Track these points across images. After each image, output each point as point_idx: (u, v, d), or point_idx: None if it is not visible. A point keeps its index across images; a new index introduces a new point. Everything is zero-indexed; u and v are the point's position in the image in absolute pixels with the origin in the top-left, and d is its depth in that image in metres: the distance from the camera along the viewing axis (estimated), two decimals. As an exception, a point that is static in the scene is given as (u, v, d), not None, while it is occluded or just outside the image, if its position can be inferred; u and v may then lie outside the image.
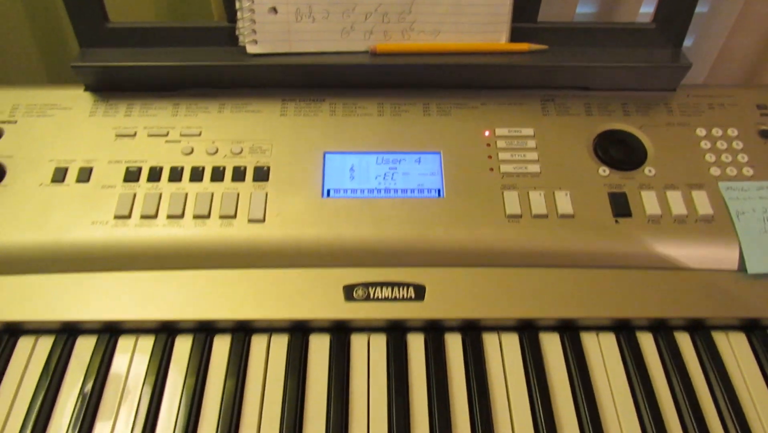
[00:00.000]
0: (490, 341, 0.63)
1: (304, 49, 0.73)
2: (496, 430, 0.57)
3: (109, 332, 0.62)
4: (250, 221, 0.66)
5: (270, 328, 0.63)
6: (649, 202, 0.67)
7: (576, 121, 0.74)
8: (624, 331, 0.63)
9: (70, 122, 0.72)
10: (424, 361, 0.62)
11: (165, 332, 0.62)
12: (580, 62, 0.73)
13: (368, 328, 0.63)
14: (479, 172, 0.69)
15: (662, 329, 0.64)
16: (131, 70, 0.72)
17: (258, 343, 0.62)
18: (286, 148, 0.71)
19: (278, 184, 0.68)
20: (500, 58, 0.74)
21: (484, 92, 0.76)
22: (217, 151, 0.70)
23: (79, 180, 0.68)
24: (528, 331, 0.63)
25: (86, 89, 0.75)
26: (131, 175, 0.68)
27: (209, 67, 0.73)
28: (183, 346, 0.62)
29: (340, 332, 0.63)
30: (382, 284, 0.64)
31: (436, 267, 0.65)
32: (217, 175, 0.68)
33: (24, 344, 0.62)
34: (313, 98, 0.75)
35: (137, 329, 0.63)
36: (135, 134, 0.71)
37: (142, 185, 0.68)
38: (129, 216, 0.66)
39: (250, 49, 0.72)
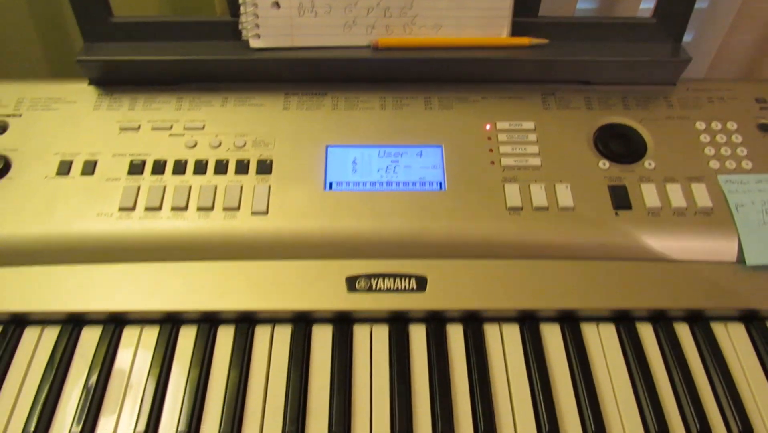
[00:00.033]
0: (491, 331, 0.64)
1: (306, 44, 0.74)
2: (497, 419, 0.58)
3: (114, 323, 0.63)
4: (254, 213, 0.66)
5: (273, 319, 0.64)
6: (649, 195, 0.68)
7: (576, 115, 0.74)
8: (624, 322, 0.64)
9: (75, 116, 0.73)
10: (425, 351, 0.62)
11: (169, 322, 0.63)
12: (581, 56, 0.74)
13: (370, 319, 0.64)
14: (480, 166, 0.70)
15: (662, 320, 0.64)
16: (135, 65, 0.73)
17: (261, 334, 0.63)
18: (289, 141, 0.71)
19: (281, 177, 0.69)
20: (501, 53, 0.75)
21: (485, 86, 0.76)
22: (220, 145, 0.71)
23: (83, 173, 0.68)
24: (529, 322, 0.64)
25: (90, 83, 0.75)
26: (135, 168, 0.69)
27: (212, 62, 0.73)
28: (187, 337, 0.63)
29: (343, 323, 0.63)
30: (384, 276, 0.64)
31: (437, 259, 0.65)
32: (221, 168, 0.69)
33: (30, 334, 0.62)
34: (315, 92, 0.75)
35: (142, 319, 0.63)
36: (139, 128, 0.72)
37: (147, 178, 0.68)
38: (133, 208, 0.66)
39: (253, 43, 0.73)
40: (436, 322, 0.64)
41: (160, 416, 0.58)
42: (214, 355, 0.62)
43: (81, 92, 0.75)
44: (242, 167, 0.69)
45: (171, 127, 0.72)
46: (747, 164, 0.70)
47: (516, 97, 0.75)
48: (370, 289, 0.64)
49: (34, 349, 0.62)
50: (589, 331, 0.64)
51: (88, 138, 0.71)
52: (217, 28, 0.74)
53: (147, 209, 0.66)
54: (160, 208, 0.66)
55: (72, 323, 0.63)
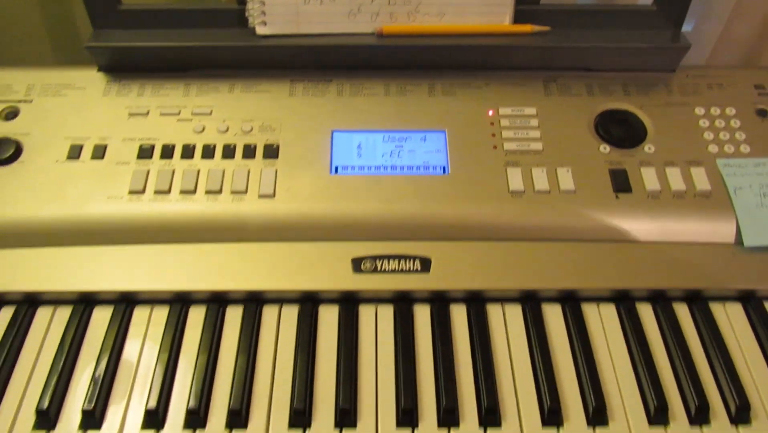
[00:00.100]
0: (494, 311, 0.65)
1: (311, 31, 0.75)
2: (500, 396, 0.59)
3: (125, 303, 0.64)
4: (261, 196, 0.68)
5: (280, 299, 0.65)
6: (649, 178, 0.69)
7: (578, 101, 0.75)
8: (624, 302, 0.65)
9: (85, 102, 0.74)
10: (430, 331, 0.64)
11: (179, 302, 0.64)
12: (582, 43, 0.75)
13: (376, 299, 0.65)
14: (483, 150, 0.71)
15: (661, 300, 0.66)
16: (144, 51, 0.74)
17: (269, 313, 0.64)
18: (295, 126, 0.73)
19: (287, 161, 0.70)
20: (504, 40, 0.76)
21: (487, 73, 0.77)
22: (227, 130, 0.72)
23: (94, 157, 0.70)
24: (531, 302, 0.65)
25: (99, 70, 0.77)
26: (144, 153, 0.70)
27: (219, 48, 0.75)
28: (196, 316, 0.64)
29: (349, 303, 0.65)
30: (389, 257, 0.65)
31: (441, 241, 0.67)
32: (228, 152, 0.70)
33: (42, 314, 0.64)
34: (320, 79, 0.76)
35: (152, 299, 0.64)
36: (148, 113, 0.73)
37: (156, 162, 0.69)
38: (143, 191, 0.67)
39: (260, 30, 0.74)
40: (440, 302, 0.65)
41: (171, 394, 0.59)
42: (222, 334, 0.63)
43: (90, 79, 0.76)
44: (249, 152, 0.70)
45: (179, 113, 0.73)
46: (745, 148, 0.72)
47: (518, 84, 0.77)
48: (375, 270, 0.65)
49: (47, 328, 0.63)
50: (589, 311, 0.65)
51: (98, 123, 0.72)
52: (224, 16, 0.75)
53: (156, 192, 0.67)
54: (169, 191, 0.68)
55: (83, 303, 0.64)
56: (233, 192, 0.68)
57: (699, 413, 0.58)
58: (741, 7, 0.92)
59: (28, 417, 0.57)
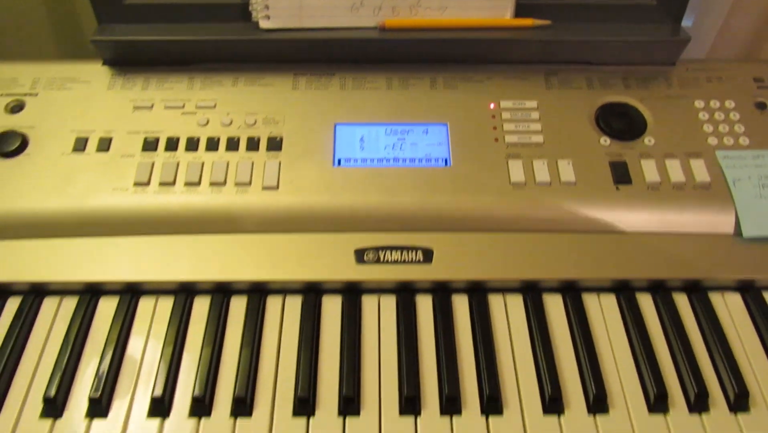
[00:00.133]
0: (495, 302, 0.66)
1: (314, 25, 0.75)
2: (501, 385, 0.60)
3: (130, 293, 0.65)
4: (265, 188, 0.68)
5: (284, 289, 0.66)
6: (649, 170, 0.70)
7: (578, 94, 0.76)
8: (624, 292, 0.66)
9: (90, 95, 0.75)
10: (432, 321, 0.64)
11: (184, 293, 0.65)
12: (583, 37, 0.76)
13: (378, 289, 0.66)
14: (485, 143, 0.72)
15: (661, 290, 0.66)
16: (148, 45, 0.75)
17: (273, 304, 0.65)
18: (298, 120, 0.73)
19: (291, 153, 0.71)
20: (505, 33, 0.76)
21: (489, 67, 0.78)
22: (231, 123, 0.73)
23: (99, 149, 0.70)
24: (532, 292, 0.66)
25: (104, 64, 0.77)
26: (149, 145, 0.71)
27: (223, 42, 0.75)
28: (201, 306, 0.65)
29: (352, 294, 0.65)
30: (391, 248, 0.66)
31: (443, 232, 0.67)
32: (232, 145, 0.71)
33: (49, 303, 0.65)
34: (323, 72, 0.77)
35: (157, 290, 0.65)
36: (152, 106, 0.74)
37: (160, 154, 0.70)
38: (148, 183, 0.68)
39: (263, 24, 0.75)
40: (442, 292, 0.66)
41: (176, 382, 0.60)
42: (227, 324, 0.64)
43: (95, 72, 0.77)
44: (253, 144, 0.71)
45: (183, 106, 0.74)
46: (744, 141, 0.72)
47: (519, 77, 0.77)
48: (378, 261, 0.66)
49: (53, 318, 0.64)
50: (590, 301, 0.66)
51: (103, 116, 0.73)
52: (228, 10, 0.76)
53: (161, 184, 0.68)
54: (173, 183, 0.68)
55: (89, 294, 0.65)
56: (237, 184, 0.68)
57: (698, 401, 0.59)
58: (740, 1, 0.93)
59: (36, 405, 0.58)
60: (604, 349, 0.63)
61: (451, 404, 0.58)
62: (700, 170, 0.70)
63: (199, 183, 0.68)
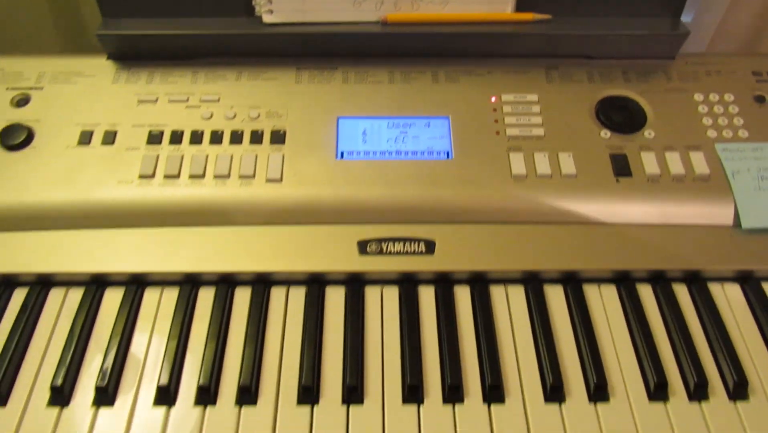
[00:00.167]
0: (497, 292, 0.66)
1: (317, 19, 0.76)
2: (503, 374, 0.60)
3: (136, 284, 0.66)
4: (268, 180, 0.69)
5: (288, 280, 0.66)
6: (649, 162, 0.70)
7: (579, 88, 0.77)
8: (624, 282, 0.67)
9: (94, 89, 0.75)
10: (434, 311, 0.65)
11: (189, 284, 0.66)
12: (583, 31, 0.76)
13: (381, 280, 0.67)
14: (486, 136, 0.73)
15: (661, 281, 0.67)
16: (152, 39, 0.76)
17: (277, 294, 0.66)
18: (301, 113, 0.74)
19: (294, 146, 0.71)
20: (506, 28, 0.77)
21: (490, 60, 0.79)
22: (235, 116, 0.73)
23: (104, 142, 0.71)
24: (533, 283, 0.66)
25: (109, 58, 0.78)
26: (154, 138, 0.71)
27: (227, 36, 0.76)
28: (206, 297, 0.65)
29: (355, 285, 0.66)
30: (394, 239, 0.67)
31: (445, 224, 0.68)
32: (236, 138, 0.72)
33: (55, 294, 0.65)
34: (326, 66, 0.78)
35: (162, 281, 0.66)
36: (156, 100, 0.74)
37: (165, 147, 0.71)
38: (153, 176, 0.69)
39: (266, 18, 0.75)
40: (444, 283, 0.66)
41: (182, 371, 0.60)
42: (231, 314, 0.64)
43: (100, 66, 0.77)
44: (257, 137, 0.72)
45: (187, 100, 0.74)
46: (743, 133, 0.73)
47: (520, 71, 0.78)
48: (380, 252, 0.66)
49: (60, 309, 0.64)
50: (590, 291, 0.66)
51: (108, 110, 0.74)
52: (231, 4, 0.76)
53: (166, 177, 0.69)
54: (178, 175, 0.69)
55: (95, 285, 0.65)
56: (241, 176, 0.69)
57: (698, 389, 0.59)
58: (739, -3, 0.93)
59: (43, 394, 0.59)
60: (604, 339, 0.63)
61: (453, 393, 0.59)
62: (699, 163, 0.70)
63: (203, 176, 0.69)
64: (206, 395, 0.58)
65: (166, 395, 0.58)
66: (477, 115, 0.74)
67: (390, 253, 0.66)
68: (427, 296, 0.66)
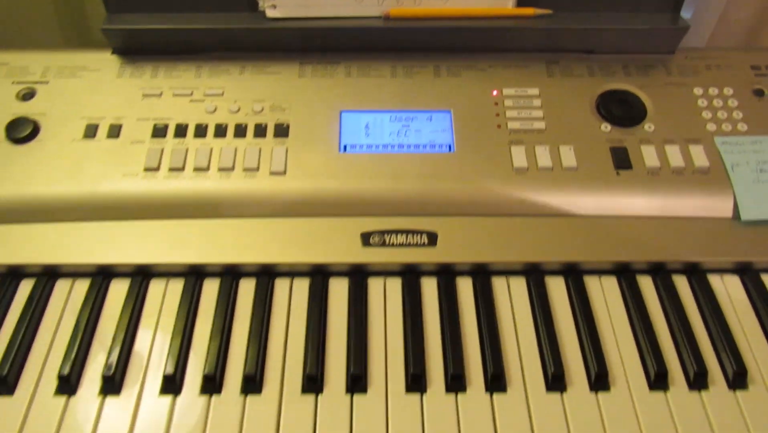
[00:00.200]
0: (499, 284, 0.67)
1: (320, 14, 0.77)
2: (505, 364, 0.61)
3: (141, 276, 0.66)
4: (272, 173, 0.70)
5: (292, 272, 0.67)
6: (649, 155, 0.71)
7: (579, 82, 0.77)
8: (625, 274, 0.67)
9: (99, 83, 0.76)
10: (437, 302, 0.66)
11: (193, 275, 0.66)
12: (583, 25, 0.77)
13: (384, 272, 0.67)
14: (488, 129, 0.73)
15: (661, 272, 0.68)
16: (156, 33, 0.76)
17: (281, 286, 0.66)
18: (305, 107, 0.75)
19: (298, 140, 0.72)
20: (507, 22, 0.78)
21: (491, 55, 0.79)
22: (239, 110, 0.74)
23: (109, 136, 0.72)
24: (534, 274, 0.67)
25: (113, 52, 0.79)
26: (159, 132, 0.72)
27: (230, 31, 0.77)
28: (210, 289, 0.66)
29: (358, 276, 0.67)
30: (396, 231, 0.67)
31: (447, 216, 0.69)
32: (240, 131, 0.72)
33: (62, 286, 0.66)
34: (329, 61, 0.78)
35: (167, 272, 0.66)
36: (161, 94, 0.75)
37: (169, 141, 0.71)
38: (158, 168, 0.69)
39: (270, 13, 0.76)
40: (446, 275, 0.67)
41: (187, 361, 0.61)
42: (236, 305, 0.65)
43: (105, 61, 0.78)
44: (260, 131, 0.72)
45: (191, 94, 0.75)
46: (742, 127, 0.74)
47: (521, 66, 0.79)
48: (383, 244, 0.67)
49: (66, 299, 0.65)
50: (591, 283, 0.67)
51: (113, 104, 0.74)
52: (235, -1, 0.77)
53: (171, 170, 0.69)
54: (183, 168, 0.70)
55: (101, 276, 0.66)
56: (245, 169, 0.70)
57: (698, 379, 0.60)
58: (738, -7, 0.94)
59: (50, 383, 0.59)
60: (605, 329, 0.64)
61: (456, 382, 0.59)
62: (699, 156, 0.71)
63: (208, 168, 0.70)
64: (212, 384, 0.59)
65: (171, 384, 0.59)
66: (479, 109, 0.75)
67: (393, 245, 0.67)
68: (429, 287, 0.67)
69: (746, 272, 0.68)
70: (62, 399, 0.58)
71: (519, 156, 0.71)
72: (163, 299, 0.65)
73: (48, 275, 0.66)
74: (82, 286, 0.66)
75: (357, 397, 0.59)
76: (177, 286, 0.66)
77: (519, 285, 0.67)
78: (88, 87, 0.76)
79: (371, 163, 0.71)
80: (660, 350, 0.62)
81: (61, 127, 0.72)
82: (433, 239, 0.67)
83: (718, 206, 0.69)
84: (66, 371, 0.59)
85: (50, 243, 0.66)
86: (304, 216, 0.68)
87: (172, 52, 0.78)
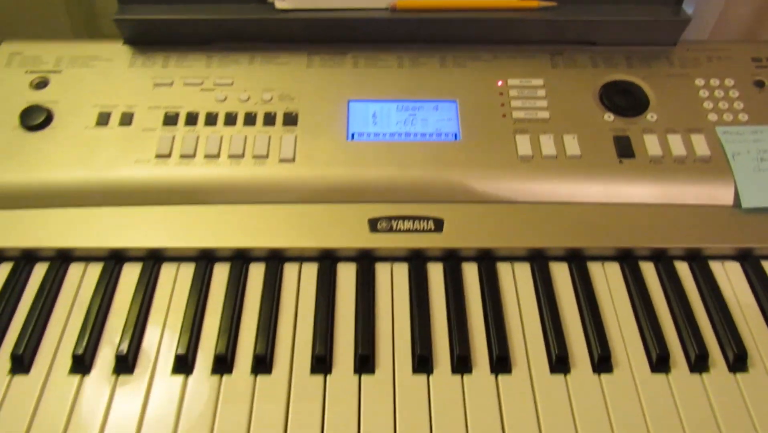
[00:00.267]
0: (503, 269, 0.68)
1: (328, 5, 0.78)
2: (510, 347, 0.62)
3: (153, 259, 0.67)
4: (281, 160, 0.71)
5: (301, 257, 0.68)
6: (651, 144, 0.72)
7: (583, 73, 0.79)
8: (627, 260, 0.69)
9: (111, 72, 0.77)
10: (443, 287, 0.67)
11: (204, 259, 0.67)
12: (587, 17, 0.78)
13: (391, 257, 0.68)
14: (493, 118, 0.75)
15: (663, 259, 0.69)
16: (168, 24, 0.78)
17: (290, 270, 0.68)
18: (313, 96, 0.76)
19: (306, 128, 0.73)
20: (512, 14, 0.79)
21: (496, 46, 0.81)
22: (248, 99, 0.75)
23: (121, 123, 0.73)
24: (539, 260, 0.68)
25: (125, 43, 0.80)
26: (170, 120, 0.73)
27: (240, 22, 0.78)
28: (221, 272, 0.67)
29: (365, 261, 0.68)
30: (403, 218, 0.69)
31: (453, 203, 0.70)
32: (250, 120, 0.74)
33: (75, 269, 0.67)
34: (337, 51, 0.80)
35: (179, 257, 0.68)
36: (172, 83, 0.76)
37: (180, 128, 0.73)
38: (169, 155, 0.71)
39: (279, 4, 0.77)
40: (452, 260, 0.68)
41: (199, 341, 0.62)
42: (246, 289, 0.66)
43: (116, 51, 0.79)
44: (270, 119, 0.74)
45: (202, 83, 0.76)
46: (743, 117, 0.75)
47: (526, 57, 0.80)
48: (390, 230, 0.68)
49: (80, 282, 0.66)
50: (595, 268, 0.68)
51: (125, 92, 0.76)
52: (245, -10, 0.78)
53: (182, 156, 0.71)
54: (194, 155, 0.71)
55: (114, 260, 0.67)
56: (255, 156, 0.71)
57: (699, 362, 0.61)
58: (740, -13, 0.95)
59: (65, 363, 0.60)
60: (608, 313, 0.65)
61: (462, 364, 0.61)
62: (700, 145, 0.72)
63: (218, 156, 0.71)
64: (223, 364, 0.60)
65: (183, 364, 0.60)
66: (484, 99, 0.76)
67: (400, 230, 0.68)
68: (435, 272, 0.68)
69: (747, 259, 0.69)
70: (76, 378, 0.60)
71: (524, 144, 0.72)
72: (175, 282, 0.66)
73: (61, 259, 0.67)
74: (95, 269, 0.67)
75: (365, 377, 0.60)
76: (188, 270, 0.67)
77: (524, 270, 0.68)
78: (100, 76, 0.77)
79: (378, 151, 0.72)
80: (662, 334, 0.63)
81: (74, 115, 0.74)
82: (439, 225, 0.69)
83: (719, 194, 0.70)
84: (80, 350, 0.60)
85: (64, 227, 0.67)
86: (312, 202, 0.69)
87: (183, 43, 0.79)
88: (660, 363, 0.61)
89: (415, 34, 0.80)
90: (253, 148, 0.71)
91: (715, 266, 0.69)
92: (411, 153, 0.72)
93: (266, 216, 0.69)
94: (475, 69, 0.79)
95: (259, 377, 0.60)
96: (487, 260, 0.68)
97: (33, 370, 0.60)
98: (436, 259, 0.69)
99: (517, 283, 0.67)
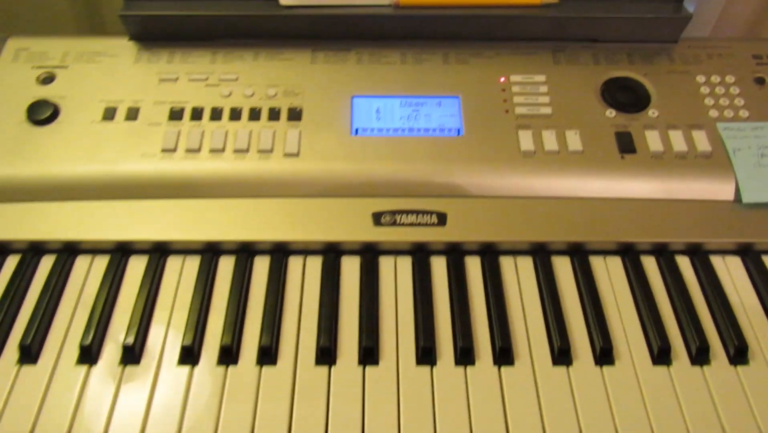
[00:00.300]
0: (506, 263, 0.69)
1: (332, 2, 0.79)
2: (513, 339, 0.63)
3: (159, 252, 0.68)
4: (286, 155, 0.72)
5: (305, 250, 0.69)
6: (653, 140, 0.73)
7: (585, 69, 0.79)
8: (629, 254, 0.69)
9: (117, 68, 0.78)
10: (446, 281, 0.67)
11: (210, 252, 0.68)
12: (589, 14, 0.79)
13: (395, 251, 0.69)
14: (495, 114, 0.75)
15: (664, 253, 0.69)
16: (173, 20, 0.78)
17: (295, 263, 0.68)
18: (317, 92, 0.77)
19: (310, 123, 0.74)
20: (514, 11, 0.80)
21: (499, 43, 0.81)
22: (253, 94, 0.76)
23: (127, 118, 0.74)
24: (541, 254, 0.69)
25: (130, 39, 0.81)
26: (175, 115, 0.74)
27: (245, 18, 0.79)
28: (226, 265, 0.68)
29: (369, 254, 0.69)
30: (407, 212, 0.69)
31: (456, 197, 0.70)
32: (255, 115, 0.74)
33: (82, 261, 0.68)
34: (341, 47, 0.80)
35: (184, 249, 0.68)
36: (177, 79, 0.77)
37: (186, 123, 0.73)
38: (175, 150, 0.71)
39: (283, 1, 0.78)
40: (455, 254, 0.69)
41: (204, 332, 0.63)
42: (251, 281, 0.67)
43: (122, 47, 0.80)
44: (274, 114, 0.74)
45: (207, 79, 0.77)
46: (744, 113, 0.75)
47: (528, 53, 0.81)
48: (394, 223, 0.69)
49: (86, 274, 0.67)
50: (596, 262, 0.69)
51: (130, 88, 0.76)
52: (250, -13, 0.79)
53: (188, 151, 0.71)
54: (199, 150, 0.71)
55: (120, 252, 0.68)
56: (260, 151, 0.71)
57: (700, 354, 0.62)
58: (740, -14, 0.96)
59: (72, 353, 0.61)
60: (610, 306, 0.66)
61: (465, 356, 0.61)
62: (701, 140, 0.73)
63: (223, 150, 0.72)
64: (228, 356, 0.61)
65: (189, 355, 0.61)
66: (486, 95, 0.77)
67: (403, 224, 0.69)
68: (439, 266, 0.68)
69: (747, 253, 0.69)
70: (83, 369, 0.60)
71: (526, 140, 0.73)
72: (181, 275, 0.67)
73: (68, 252, 0.68)
74: (102, 262, 0.68)
75: (369, 369, 0.61)
76: (194, 262, 0.68)
77: (526, 264, 0.69)
78: (106, 72, 0.78)
79: (382, 145, 0.73)
80: (663, 327, 0.63)
81: (81, 110, 0.74)
82: (442, 218, 0.69)
83: (719, 189, 0.71)
84: (87, 341, 0.61)
85: (70, 221, 0.68)
86: (316, 196, 0.70)
87: (188, 39, 0.80)
88: (661, 356, 0.62)
89: (418, 30, 0.81)
90: (258, 143, 0.72)
91: (716, 261, 0.69)
92: (414, 148, 0.73)
93: (271, 210, 0.69)
94: (478, 65, 0.79)
95: (265, 368, 0.60)
96: (489, 254, 0.69)
97: (40, 360, 0.61)
98: (439, 252, 0.69)
99: (519, 276, 0.68)
